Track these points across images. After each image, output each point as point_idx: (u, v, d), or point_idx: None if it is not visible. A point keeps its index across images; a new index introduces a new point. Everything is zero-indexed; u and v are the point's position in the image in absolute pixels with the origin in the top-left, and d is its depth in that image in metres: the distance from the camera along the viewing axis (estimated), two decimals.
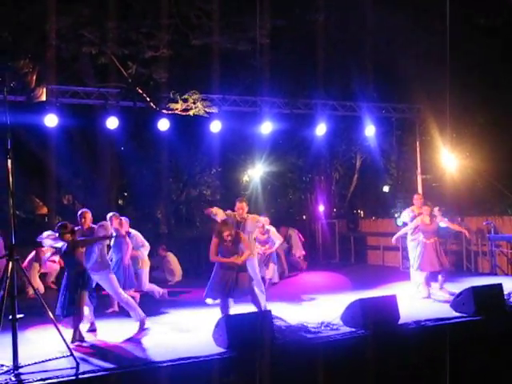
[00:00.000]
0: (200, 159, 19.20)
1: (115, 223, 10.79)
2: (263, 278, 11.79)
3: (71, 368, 7.11)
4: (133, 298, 10.02)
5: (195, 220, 16.48)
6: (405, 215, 12.52)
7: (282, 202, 21.65)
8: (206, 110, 13.57)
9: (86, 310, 8.88)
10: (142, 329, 9.28)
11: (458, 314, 9.75)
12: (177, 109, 13.37)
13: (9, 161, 7.44)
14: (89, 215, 9.68)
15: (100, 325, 9.45)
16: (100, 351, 8.08)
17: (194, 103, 13.30)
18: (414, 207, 12.41)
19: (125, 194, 21.44)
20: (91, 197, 17.52)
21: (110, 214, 10.96)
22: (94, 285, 9.13)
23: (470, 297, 9.76)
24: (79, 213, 9.76)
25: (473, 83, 16.17)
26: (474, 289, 9.98)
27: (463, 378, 8.67)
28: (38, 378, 6.74)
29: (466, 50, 15.66)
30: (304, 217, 22.17)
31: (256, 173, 19.72)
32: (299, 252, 16.52)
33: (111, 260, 10.61)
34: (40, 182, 16.22)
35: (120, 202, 21.19)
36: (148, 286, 11.92)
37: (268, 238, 13.08)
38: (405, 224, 12.62)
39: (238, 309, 9.61)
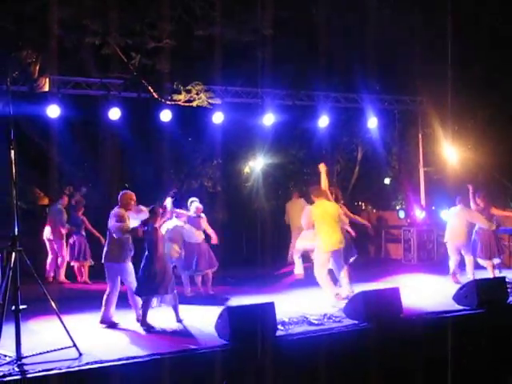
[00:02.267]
0: (201, 150, 19.10)
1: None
2: None
3: (74, 359, 7.12)
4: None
5: None
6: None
7: (283, 193, 21.55)
8: (209, 101, 13.57)
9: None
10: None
11: (460, 307, 9.77)
12: (180, 100, 13.36)
13: (12, 151, 7.41)
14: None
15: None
16: (103, 342, 8.09)
17: (198, 94, 13.30)
18: None
19: (126, 186, 21.37)
20: (92, 187, 17.47)
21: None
22: None
23: (473, 290, 9.77)
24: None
25: (476, 76, 16.12)
26: (477, 282, 10.00)
27: (466, 371, 8.68)
28: (41, 368, 6.74)
29: (470, 44, 15.61)
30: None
31: (257, 164, 19.66)
32: None
33: None
34: (41, 173, 16.14)
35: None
36: None
37: None
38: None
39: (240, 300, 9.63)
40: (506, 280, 10.49)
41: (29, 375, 6.62)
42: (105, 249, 9.21)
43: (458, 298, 10.02)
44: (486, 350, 8.92)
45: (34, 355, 7.13)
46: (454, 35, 14.76)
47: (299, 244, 12.26)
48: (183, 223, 11.42)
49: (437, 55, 15.45)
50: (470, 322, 9.35)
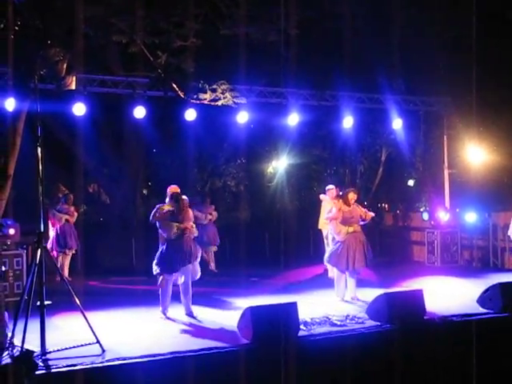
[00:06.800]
0: (225, 150, 19.14)
1: None
2: None
3: (97, 355, 7.19)
4: None
5: (219, 210, 16.46)
6: None
7: (306, 194, 21.53)
8: (234, 100, 13.58)
9: None
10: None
11: (484, 310, 9.67)
12: (205, 99, 13.38)
13: (39, 148, 7.49)
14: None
15: (127, 313, 9.54)
16: (126, 339, 8.14)
17: (223, 93, 13.31)
18: None
19: (149, 184, 21.47)
20: (116, 186, 17.59)
21: None
22: None
23: (497, 293, 9.67)
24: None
25: (501, 77, 15.95)
26: (502, 285, 9.88)
27: (489, 374, 8.61)
28: (65, 364, 6.82)
29: (496, 45, 15.46)
30: None
31: (281, 164, 19.66)
32: None
33: None
34: (66, 170, 16.28)
35: (144, 191, 21.20)
36: None
37: None
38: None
39: (263, 300, 9.64)
40: None
41: (53, 370, 6.70)
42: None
43: (482, 301, 9.93)
44: (509, 354, 8.85)
45: (58, 350, 7.21)
46: (479, 35, 14.62)
47: None
48: None
49: (464, 56, 15.32)
50: (494, 326, 9.27)
